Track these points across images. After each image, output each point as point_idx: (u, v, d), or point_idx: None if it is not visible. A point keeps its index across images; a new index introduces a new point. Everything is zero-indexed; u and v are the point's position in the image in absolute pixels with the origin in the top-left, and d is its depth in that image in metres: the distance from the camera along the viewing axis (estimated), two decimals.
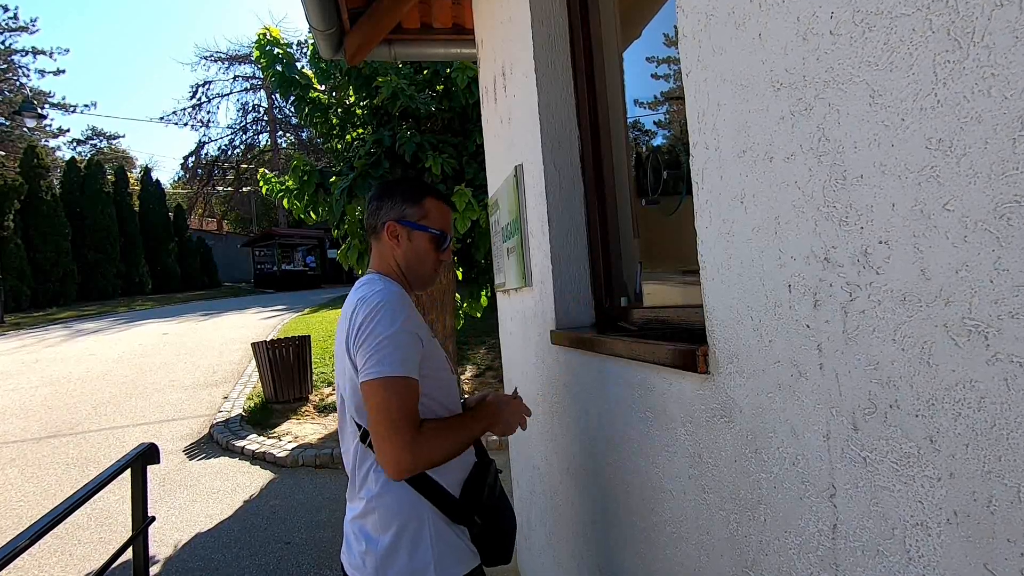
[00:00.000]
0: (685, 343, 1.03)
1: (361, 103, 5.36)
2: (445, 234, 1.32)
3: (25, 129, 31.46)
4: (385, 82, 4.54)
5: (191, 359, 9.24)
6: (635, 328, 1.55)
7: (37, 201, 19.66)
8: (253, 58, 5.08)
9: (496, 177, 2.65)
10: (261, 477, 4.57)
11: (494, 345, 8.07)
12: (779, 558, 0.77)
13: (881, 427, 0.60)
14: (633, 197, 1.81)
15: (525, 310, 2.20)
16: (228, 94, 35.12)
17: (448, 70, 5.11)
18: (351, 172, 4.93)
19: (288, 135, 34.67)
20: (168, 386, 7.59)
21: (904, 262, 0.56)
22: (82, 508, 3.73)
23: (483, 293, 7.01)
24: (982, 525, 0.50)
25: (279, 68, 5.06)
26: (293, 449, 4.90)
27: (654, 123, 1.79)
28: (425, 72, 5.27)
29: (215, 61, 34.45)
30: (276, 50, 5.07)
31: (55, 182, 21.69)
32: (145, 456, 2.01)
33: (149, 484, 4.44)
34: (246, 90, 34.97)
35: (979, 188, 0.48)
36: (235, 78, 34.74)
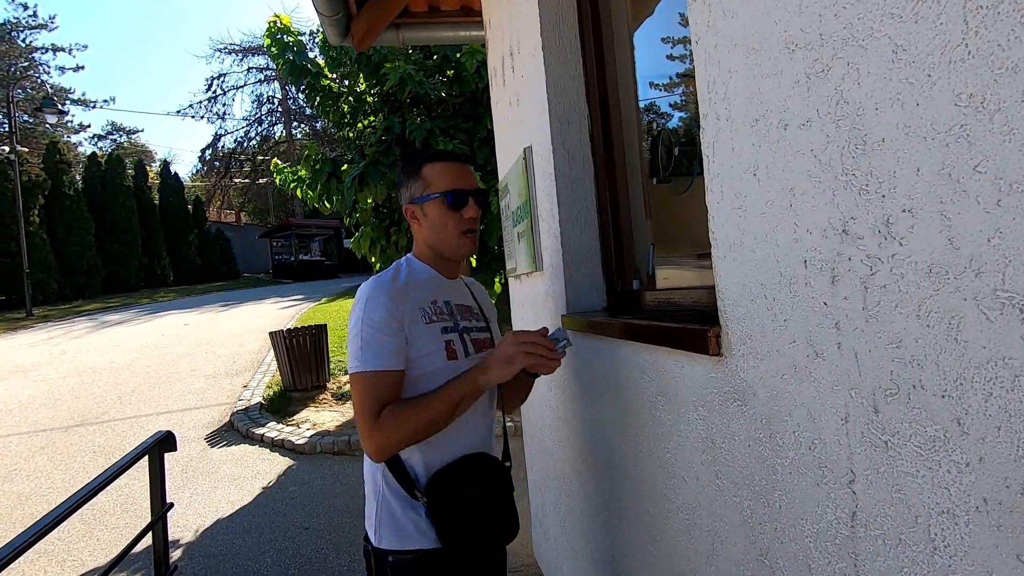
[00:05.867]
0: (698, 325, 1.00)
1: (371, 90, 5.34)
2: (455, 191, 1.23)
3: (47, 126, 32.05)
4: (392, 68, 4.50)
5: (212, 349, 9.39)
6: (648, 311, 1.51)
7: (60, 196, 20.07)
8: (264, 46, 5.06)
9: (505, 161, 2.61)
10: (280, 464, 4.63)
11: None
12: (795, 546, 0.74)
13: (904, 409, 0.56)
14: (645, 178, 1.76)
15: (536, 295, 2.17)
16: (243, 86, 35.30)
17: (458, 55, 5.05)
18: (362, 160, 4.92)
19: (303, 126, 34.82)
20: (190, 375, 7.73)
21: (930, 231, 0.52)
22: (107, 494, 3.79)
23: (496, 280, 6.99)
24: (1015, 513, 0.46)
25: (290, 56, 5.04)
26: (311, 436, 4.96)
27: (669, 104, 1.74)
28: (435, 57, 5.22)
29: (229, 53, 34.69)
30: (287, 38, 5.05)
31: (77, 177, 22.08)
32: (162, 444, 2.04)
33: (171, 471, 4.54)
34: (260, 82, 35.14)
35: (1015, 147, 0.44)
36: (249, 70, 34.91)
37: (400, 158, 4.68)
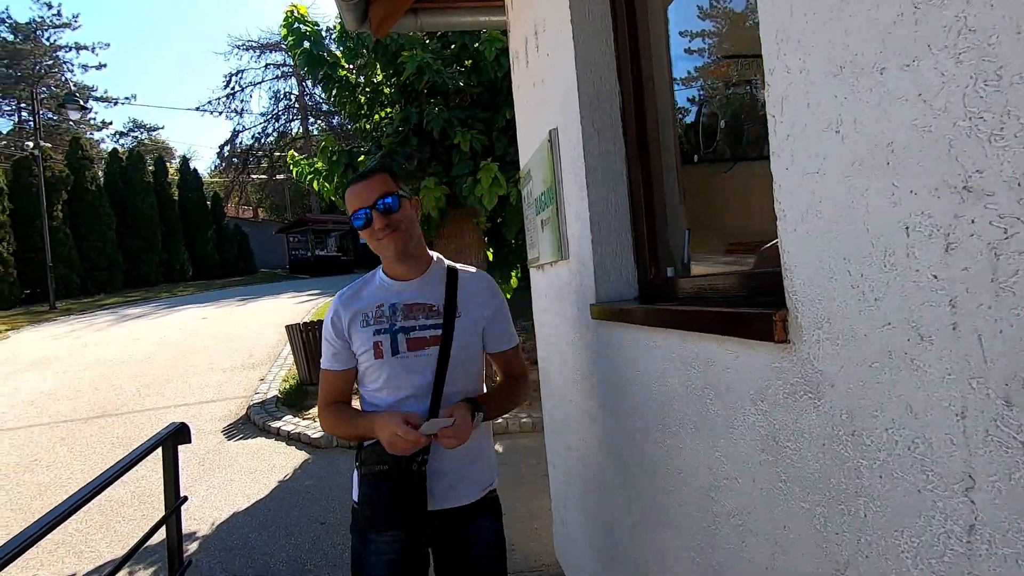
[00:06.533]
0: (754, 309, 0.89)
1: (388, 81, 5.26)
2: (353, 212, 1.39)
3: (71, 123, 32.61)
4: (410, 57, 4.42)
5: (229, 343, 9.44)
6: (685, 299, 1.41)
7: (83, 192, 20.38)
8: (280, 36, 5.01)
9: (528, 146, 2.52)
10: (296, 457, 4.60)
11: (527, 327, 7.98)
12: (884, 562, 0.64)
13: None
14: (679, 159, 1.66)
15: (560, 284, 2.07)
16: (260, 82, 35.58)
17: (475, 44, 4.95)
18: (379, 151, 4.86)
19: (319, 122, 34.99)
20: (207, 369, 7.76)
21: None
22: (125, 486, 3.75)
23: (514, 273, 6.90)
24: None
25: (306, 45, 4.98)
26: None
27: (706, 80, 1.63)
28: (452, 47, 5.13)
29: (247, 50, 34.95)
30: (303, 27, 4.99)
31: (99, 173, 22.42)
32: (176, 436, 1.98)
33: (188, 463, 4.53)
34: (277, 78, 35.39)
35: None
36: (266, 66, 35.17)
37: (417, 149, 4.60)
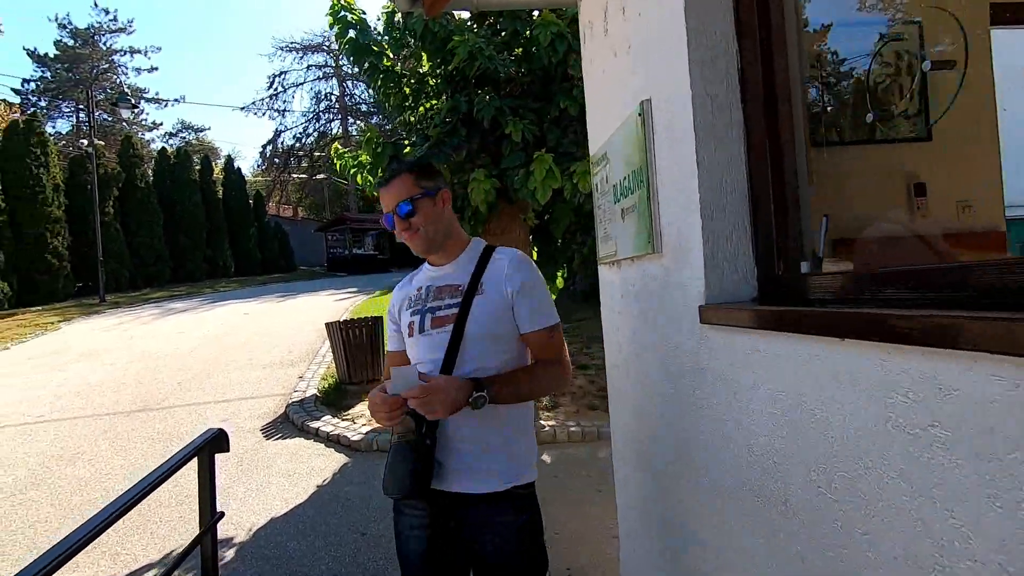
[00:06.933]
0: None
1: (435, 71, 5.06)
2: (385, 215, 1.49)
3: (124, 123, 33.91)
4: (461, 42, 4.19)
5: (269, 338, 9.45)
6: (831, 301, 1.10)
7: (133, 189, 21.05)
8: (326, 29, 4.87)
9: (603, 127, 2.24)
10: (335, 461, 4.43)
11: (569, 330, 7.67)
12: None
13: None
14: (807, 131, 1.36)
15: (648, 282, 1.78)
16: (302, 83, 36.29)
17: (527, 30, 4.70)
18: (425, 143, 4.65)
19: (359, 122, 35.47)
20: (247, 364, 7.74)
21: None
22: (163, 486, 3.65)
23: (560, 273, 6.61)
24: None
25: (352, 34, 4.82)
26: (367, 433, 4.73)
27: (854, 34, 1.33)
28: (503, 34, 4.88)
29: (290, 51, 35.70)
30: (350, 16, 4.83)
31: (149, 171, 23.13)
32: (213, 444, 1.79)
33: (227, 463, 4.40)
34: (319, 79, 36.03)
35: None
36: (308, 67, 35.84)
37: (466, 139, 4.37)
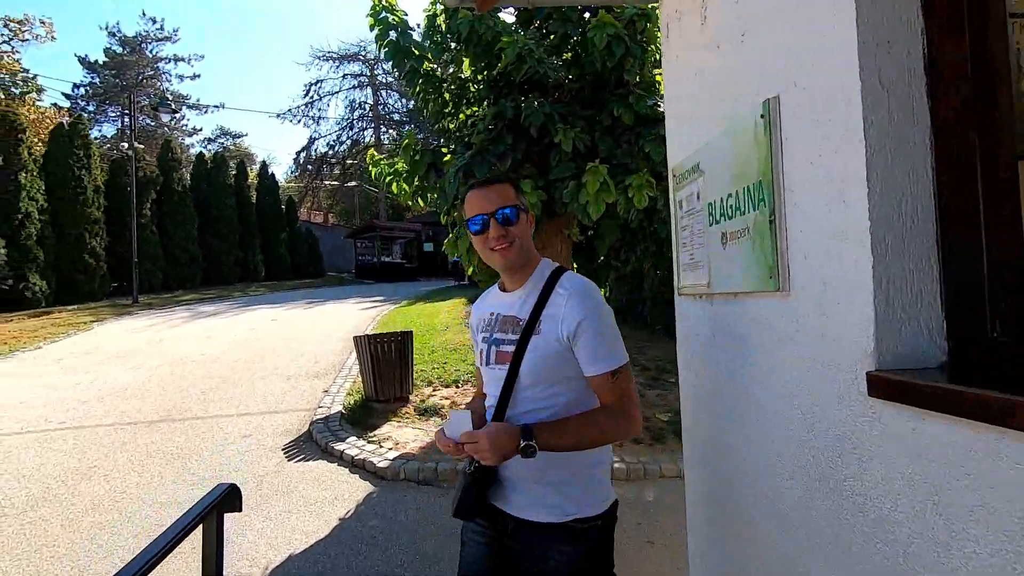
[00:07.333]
0: None
1: (478, 76, 4.78)
2: (472, 217, 1.41)
3: (165, 128, 34.83)
4: (511, 42, 3.90)
5: (295, 346, 9.27)
6: None
7: (170, 192, 21.43)
8: (368, 25, 4.64)
9: (691, 135, 1.89)
10: (360, 489, 4.12)
11: None
12: None
13: None
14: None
15: (763, 327, 1.42)
16: (337, 92, 36.81)
17: (578, 34, 4.39)
18: (466, 151, 4.36)
19: (391, 131, 35.76)
20: (273, 374, 7.54)
21: None
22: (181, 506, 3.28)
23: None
24: None
25: (393, 36, 4.59)
26: (395, 459, 4.42)
27: None
28: (552, 37, 4.59)
29: (327, 60, 36.28)
30: (391, 17, 4.60)
31: (186, 175, 23.57)
32: (224, 503, 1.48)
33: (246, 486, 4.13)
34: (354, 87, 36.50)
35: None
36: (344, 76, 36.34)
37: (511, 147, 4.06)
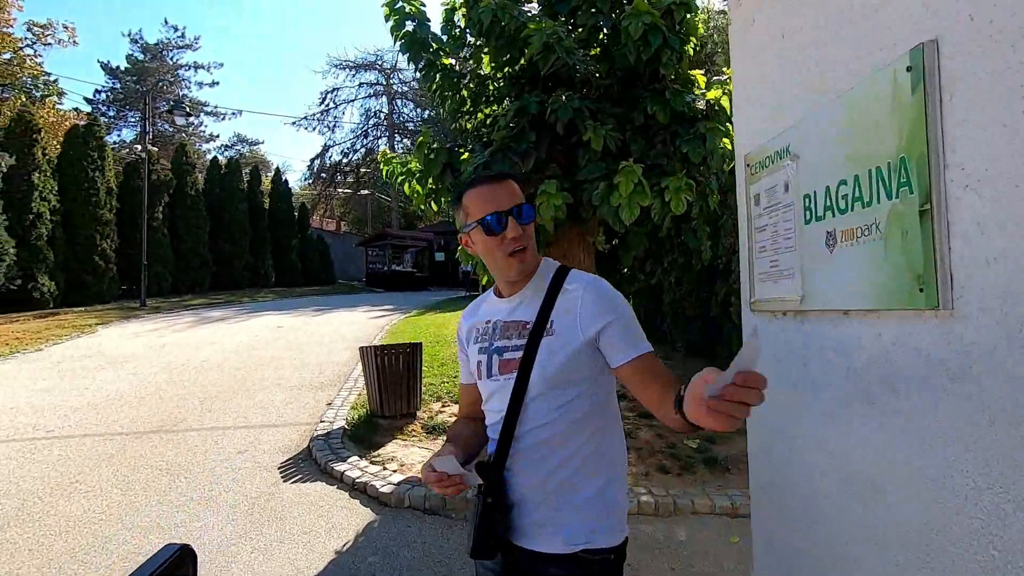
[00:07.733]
0: None
1: (500, 71, 4.46)
2: (487, 215, 1.24)
3: (183, 134, 35.09)
4: (537, 30, 3.57)
5: (300, 355, 8.95)
6: None
7: (183, 196, 21.37)
8: (383, 16, 4.35)
9: (776, 111, 1.53)
10: (359, 516, 3.74)
11: None
12: None
13: None
14: None
15: (909, 360, 1.04)
16: (353, 100, 36.92)
17: (608, 27, 4.06)
18: (484, 150, 4.03)
19: (405, 140, 35.75)
20: (274, 384, 7.21)
21: None
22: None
23: None
24: None
25: (410, 27, 4.29)
26: (399, 484, 4.04)
27: None
28: (579, 30, 4.26)
29: (343, 68, 36.45)
30: (408, 7, 4.31)
31: (200, 178, 23.55)
32: (172, 568, 1.11)
33: (237, 508, 3.75)
34: (369, 96, 36.59)
35: None
36: (360, 84, 36.46)
37: (535, 145, 3.72)
